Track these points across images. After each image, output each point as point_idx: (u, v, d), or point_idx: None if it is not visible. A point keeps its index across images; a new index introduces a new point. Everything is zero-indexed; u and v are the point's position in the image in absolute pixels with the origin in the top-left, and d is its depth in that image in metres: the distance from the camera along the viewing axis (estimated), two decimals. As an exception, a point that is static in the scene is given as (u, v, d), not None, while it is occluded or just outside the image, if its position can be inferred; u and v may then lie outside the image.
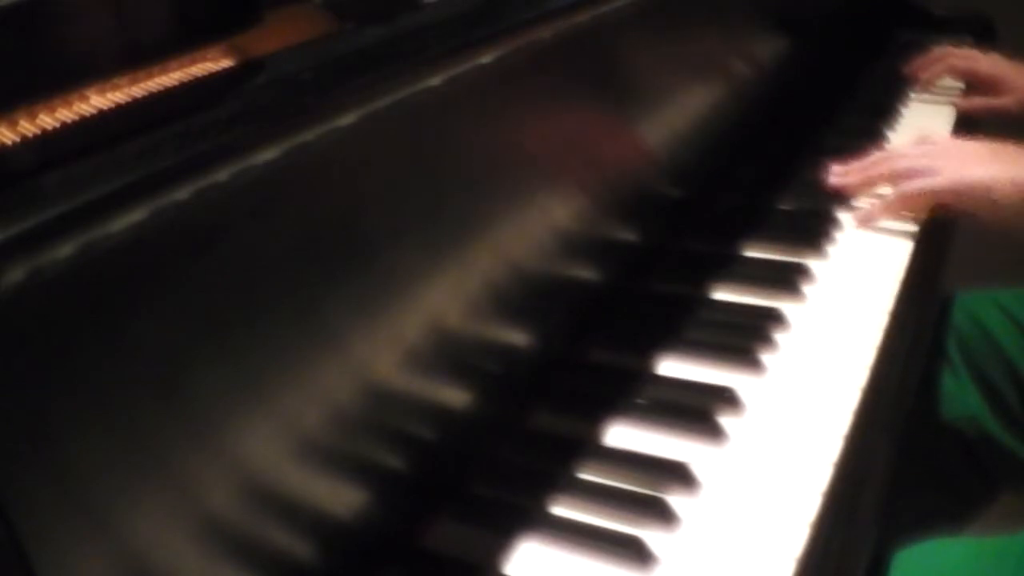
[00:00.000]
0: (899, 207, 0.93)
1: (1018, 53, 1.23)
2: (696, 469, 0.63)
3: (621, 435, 0.68)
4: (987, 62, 1.26)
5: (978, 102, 1.24)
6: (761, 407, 0.70)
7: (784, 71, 1.21)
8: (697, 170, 0.97)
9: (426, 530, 0.61)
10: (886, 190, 0.94)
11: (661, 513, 0.60)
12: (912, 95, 1.27)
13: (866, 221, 0.94)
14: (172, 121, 0.47)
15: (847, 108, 1.26)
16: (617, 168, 0.82)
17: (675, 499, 0.61)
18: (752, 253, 0.90)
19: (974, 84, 1.26)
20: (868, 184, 0.96)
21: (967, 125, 1.19)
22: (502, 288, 0.67)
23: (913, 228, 0.92)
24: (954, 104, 1.24)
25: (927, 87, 1.27)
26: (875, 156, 0.99)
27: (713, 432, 0.67)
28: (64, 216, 0.38)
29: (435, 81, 0.58)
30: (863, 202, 0.96)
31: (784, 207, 0.99)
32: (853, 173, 0.97)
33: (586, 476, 0.64)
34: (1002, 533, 0.78)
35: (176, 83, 0.53)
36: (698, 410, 0.69)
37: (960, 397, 1.01)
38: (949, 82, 1.28)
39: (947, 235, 0.97)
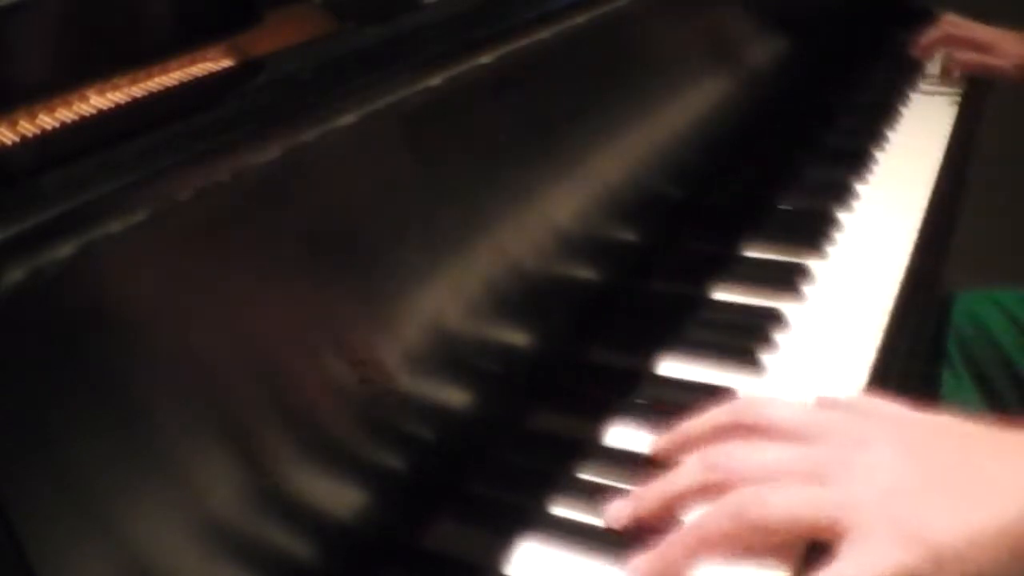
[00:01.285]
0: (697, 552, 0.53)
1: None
2: (696, 469, 0.63)
3: (621, 435, 0.68)
4: (982, 30, 1.28)
5: (975, 57, 1.26)
6: (761, 407, 0.69)
7: (784, 71, 1.21)
8: (697, 170, 0.97)
9: (426, 530, 0.61)
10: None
11: (661, 513, 0.60)
12: (912, 95, 1.28)
13: None
14: (172, 121, 0.47)
15: (847, 108, 1.26)
16: (617, 168, 0.82)
17: (675, 499, 0.61)
18: (752, 253, 0.90)
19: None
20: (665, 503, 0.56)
21: (969, 119, 1.19)
22: (502, 288, 0.67)
23: (913, 228, 0.92)
24: (952, 58, 1.28)
25: (928, 55, 1.30)
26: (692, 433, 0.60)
27: (713, 432, 0.67)
28: (64, 216, 0.38)
29: (435, 81, 0.58)
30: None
31: (784, 207, 0.99)
32: (632, 502, 0.58)
33: (586, 476, 0.64)
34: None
35: (176, 83, 0.53)
36: (698, 410, 0.68)
37: (960, 397, 1.02)
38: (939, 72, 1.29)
39: (947, 235, 0.97)
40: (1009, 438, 0.53)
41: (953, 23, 1.30)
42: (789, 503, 0.51)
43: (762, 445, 0.55)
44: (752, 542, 0.51)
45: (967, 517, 0.47)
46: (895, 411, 0.57)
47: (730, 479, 0.53)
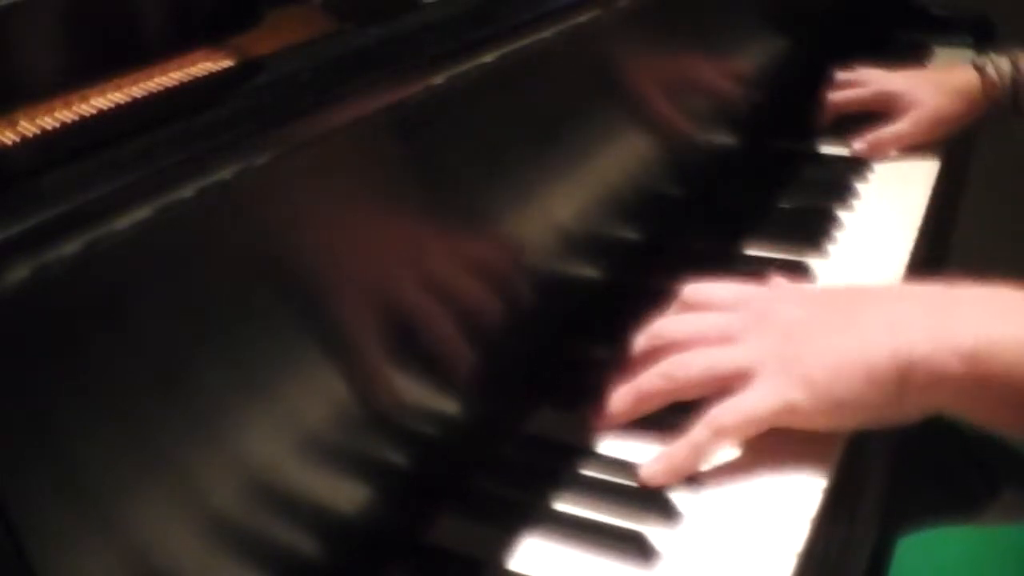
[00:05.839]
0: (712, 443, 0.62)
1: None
2: (698, 466, 0.63)
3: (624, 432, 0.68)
4: (886, 79, 1.11)
5: (864, 142, 1.08)
6: (763, 404, 0.69)
7: (785, 70, 1.21)
8: (699, 168, 0.97)
9: (431, 526, 0.61)
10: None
11: (663, 509, 0.60)
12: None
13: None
14: (172, 121, 0.47)
15: (847, 107, 1.26)
16: (618, 167, 0.82)
17: (677, 495, 0.61)
18: (753, 251, 0.90)
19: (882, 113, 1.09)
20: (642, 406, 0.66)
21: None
22: (505, 287, 0.67)
23: (914, 226, 0.92)
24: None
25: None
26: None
27: (715, 429, 0.67)
28: (70, 213, 0.38)
29: (436, 81, 0.58)
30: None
31: (785, 205, 0.99)
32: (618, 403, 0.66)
33: (589, 473, 0.64)
34: (1004, 530, 0.78)
35: (176, 83, 0.53)
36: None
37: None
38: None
39: (947, 234, 0.97)
40: (898, 289, 0.69)
41: (845, 82, 1.12)
42: (706, 362, 0.63)
43: (693, 316, 0.68)
44: (683, 395, 0.63)
45: (836, 352, 0.59)
46: (804, 287, 0.74)
47: (667, 344, 0.66)
